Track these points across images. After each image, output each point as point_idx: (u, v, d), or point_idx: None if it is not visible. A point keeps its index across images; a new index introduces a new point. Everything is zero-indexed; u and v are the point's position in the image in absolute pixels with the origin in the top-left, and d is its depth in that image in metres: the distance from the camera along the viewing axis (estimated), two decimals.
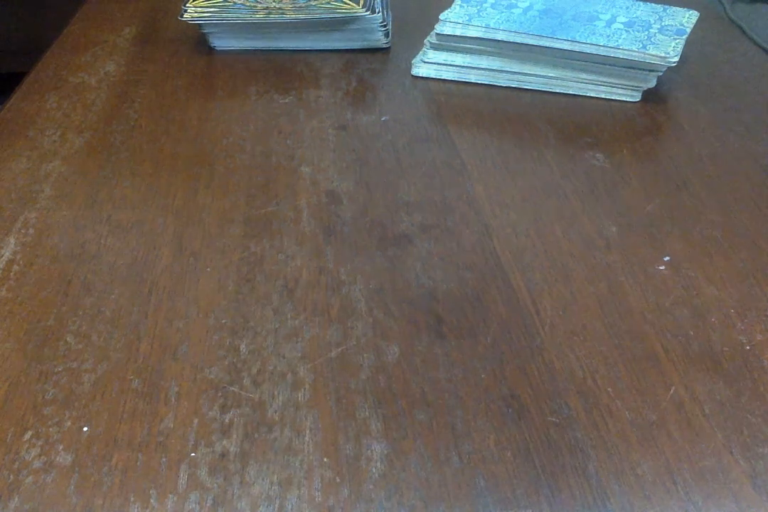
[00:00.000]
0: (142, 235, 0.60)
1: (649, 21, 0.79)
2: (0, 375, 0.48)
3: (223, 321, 0.52)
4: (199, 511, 0.41)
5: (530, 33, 0.76)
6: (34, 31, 2.03)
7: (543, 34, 0.76)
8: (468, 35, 0.78)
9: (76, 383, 0.48)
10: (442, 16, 0.79)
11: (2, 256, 0.58)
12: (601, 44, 0.75)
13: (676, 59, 0.74)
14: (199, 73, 0.84)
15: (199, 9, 0.84)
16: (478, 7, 0.81)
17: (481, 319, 0.52)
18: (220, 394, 0.47)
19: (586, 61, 0.77)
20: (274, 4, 0.85)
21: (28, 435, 0.45)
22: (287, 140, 0.72)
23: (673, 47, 0.75)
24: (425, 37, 0.83)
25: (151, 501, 0.41)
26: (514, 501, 0.41)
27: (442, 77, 0.82)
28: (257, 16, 0.84)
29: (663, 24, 0.79)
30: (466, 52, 0.80)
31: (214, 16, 0.84)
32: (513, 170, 0.67)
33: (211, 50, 0.89)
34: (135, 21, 0.97)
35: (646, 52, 0.74)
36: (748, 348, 0.50)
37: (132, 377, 0.48)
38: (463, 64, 0.81)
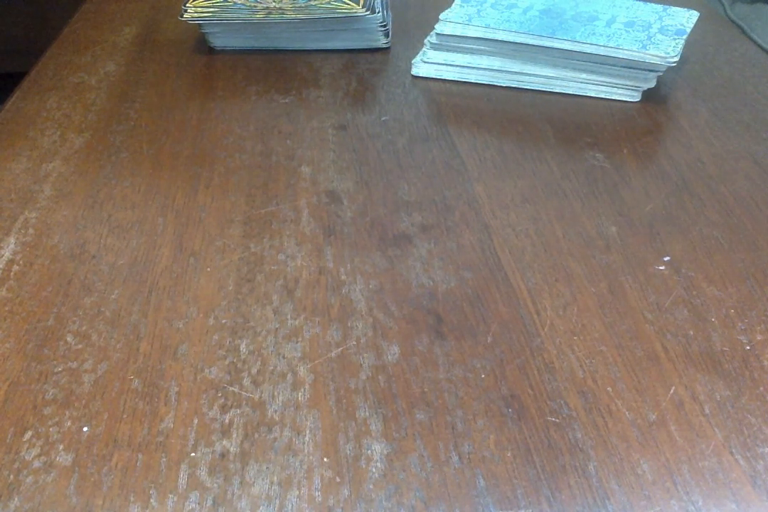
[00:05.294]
0: (142, 234, 0.60)
1: (649, 21, 0.79)
2: (0, 375, 0.48)
3: (223, 321, 0.52)
4: (199, 511, 0.41)
5: (530, 33, 0.76)
6: (34, 31, 2.03)
7: (543, 34, 0.76)
8: (468, 35, 0.78)
9: (76, 383, 0.48)
10: (442, 16, 0.79)
11: (2, 256, 0.58)
12: (601, 44, 0.75)
13: (676, 59, 0.74)
14: (199, 73, 0.84)
15: (199, 9, 0.84)
16: (478, 7, 0.81)
17: (481, 319, 0.52)
18: (220, 394, 0.47)
19: (586, 61, 0.77)
20: (274, 4, 0.85)
21: (28, 435, 0.45)
22: (287, 140, 0.72)
23: (673, 47, 0.75)
24: (425, 37, 0.83)
25: (151, 501, 0.41)
26: (514, 501, 0.41)
27: (442, 77, 0.82)
28: (257, 16, 0.84)
29: (663, 24, 0.79)
30: (466, 52, 0.80)
31: (214, 16, 0.84)
32: (513, 170, 0.67)
33: (211, 50, 0.89)
34: (135, 21, 0.97)
35: (646, 52, 0.74)
36: (748, 348, 0.50)
37: (132, 377, 0.48)
38: (463, 64, 0.81)
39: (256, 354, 0.50)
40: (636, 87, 0.77)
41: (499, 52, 0.79)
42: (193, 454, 0.44)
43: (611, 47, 0.75)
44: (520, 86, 0.81)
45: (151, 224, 0.61)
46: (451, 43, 0.79)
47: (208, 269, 0.57)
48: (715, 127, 0.74)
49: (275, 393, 0.47)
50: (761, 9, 0.99)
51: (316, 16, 0.83)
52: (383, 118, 0.75)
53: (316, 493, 0.42)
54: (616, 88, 0.78)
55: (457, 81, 0.82)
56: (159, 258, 0.58)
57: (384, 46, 0.89)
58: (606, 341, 0.50)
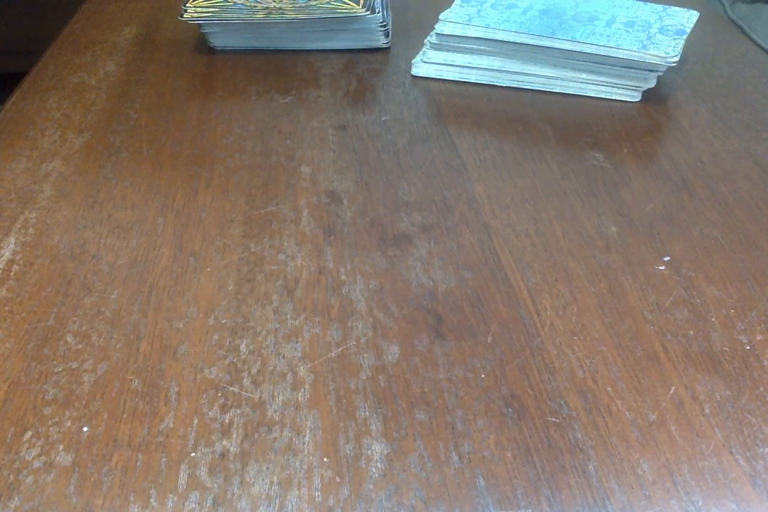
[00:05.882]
0: (142, 234, 0.60)
1: (649, 21, 0.79)
2: (0, 375, 0.48)
3: (223, 321, 0.52)
4: (199, 511, 0.41)
5: (530, 33, 0.76)
6: (34, 31, 2.03)
7: (543, 34, 0.76)
8: (468, 35, 0.78)
9: (76, 383, 0.48)
10: (442, 16, 0.79)
11: (2, 256, 0.58)
12: (601, 44, 0.75)
13: (676, 59, 0.74)
14: (199, 73, 0.84)
15: (199, 9, 0.84)
16: (478, 7, 0.81)
17: (481, 319, 0.52)
18: (220, 394, 0.47)
19: (586, 61, 0.77)
20: (274, 4, 0.85)
21: (28, 435, 0.45)
22: (287, 140, 0.72)
23: (673, 47, 0.75)
24: (425, 37, 0.83)
25: (151, 501, 0.41)
26: (514, 501, 0.41)
27: (442, 77, 0.82)
28: (257, 16, 0.84)
29: (663, 24, 0.79)
30: (466, 52, 0.80)
31: (214, 16, 0.84)
32: (513, 170, 0.67)
33: (211, 50, 0.89)
34: (135, 21, 0.97)
35: (646, 52, 0.74)
36: (748, 348, 0.50)
37: (132, 377, 0.48)
38: (463, 64, 0.81)
39: (256, 354, 0.50)
40: (636, 87, 0.77)
41: (499, 52, 0.79)
42: (193, 454, 0.44)
43: (611, 47, 0.75)
44: (520, 86, 0.81)
45: (151, 224, 0.61)
46: (451, 43, 0.79)
47: (208, 269, 0.57)
48: (715, 127, 0.74)
49: (275, 393, 0.47)
50: (761, 9, 0.99)
51: (316, 16, 0.83)
52: (383, 118, 0.75)
53: (316, 493, 0.42)
54: (616, 88, 0.78)
55: (457, 81, 0.82)
56: (159, 258, 0.58)
57: (384, 46, 0.89)
58: (606, 341, 0.50)
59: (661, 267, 0.57)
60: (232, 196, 0.64)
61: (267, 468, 0.43)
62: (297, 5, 0.84)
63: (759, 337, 0.51)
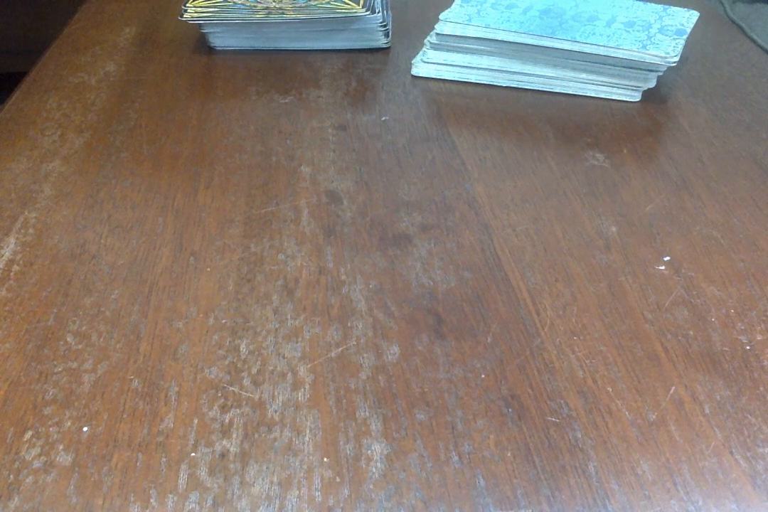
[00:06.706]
0: (142, 234, 0.60)
1: (649, 21, 0.79)
2: (0, 375, 0.48)
3: (223, 321, 0.52)
4: (199, 511, 0.41)
5: (530, 33, 0.76)
6: (34, 31, 2.03)
7: (543, 34, 0.76)
8: (468, 35, 0.78)
9: (76, 383, 0.48)
10: (442, 16, 0.79)
11: (2, 255, 0.58)
12: (601, 44, 0.75)
13: (676, 59, 0.74)
14: (199, 73, 0.84)
15: (199, 9, 0.84)
16: (478, 7, 0.81)
17: (481, 319, 0.52)
18: (220, 394, 0.47)
19: (586, 61, 0.77)
20: (274, 4, 0.85)
21: (28, 435, 0.45)
22: (287, 140, 0.72)
23: (673, 47, 0.75)
24: (425, 37, 0.83)
25: (151, 501, 0.41)
26: (514, 501, 0.41)
27: (442, 77, 0.82)
28: (257, 16, 0.84)
29: (663, 24, 0.79)
30: (466, 52, 0.80)
31: (214, 16, 0.84)
32: (513, 170, 0.67)
33: (211, 50, 0.89)
34: (135, 21, 0.97)
35: (646, 51, 0.74)
36: (748, 348, 0.50)
37: (132, 377, 0.48)
38: (463, 64, 0.81)
39: (256, 354, 0.50)
40: (636, 87, 0.77)
41: (499, 52, 0.79)
42: (193, 454, 0.44)
43: (611, 47, 0.75)
44: (520, 86, 0.81)
45: (151, 224, 0.61)
46: (451, 43, 0.79)
47: (208, 269, 0.57)
48: (715, 127, 0.74)
49: (275, 393, 0.47)
50: (761, 9, 0.99)
51: (316, 16, 0.83)
52: (383, 118, 0.75)
53: (316, 493, 0.42)
54: (616, 88, 0.78)
55: (457, 81, 0.82)
56: (159, 259, 0.58)
57: (384, 46, 0.89)
58: (606, 341, 0.51)
59: (661, 267, 0.57)
60: (232, 196, 0.64)
61: (267, 468, 0.43)
62: (297, 5, 0.84)
63: (759, 337, 0.51)
